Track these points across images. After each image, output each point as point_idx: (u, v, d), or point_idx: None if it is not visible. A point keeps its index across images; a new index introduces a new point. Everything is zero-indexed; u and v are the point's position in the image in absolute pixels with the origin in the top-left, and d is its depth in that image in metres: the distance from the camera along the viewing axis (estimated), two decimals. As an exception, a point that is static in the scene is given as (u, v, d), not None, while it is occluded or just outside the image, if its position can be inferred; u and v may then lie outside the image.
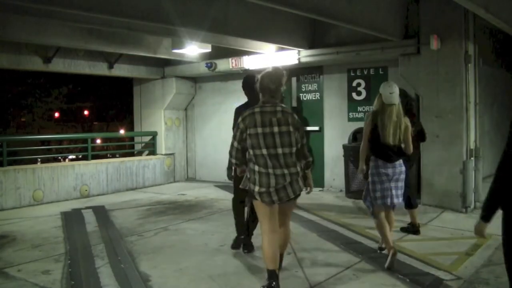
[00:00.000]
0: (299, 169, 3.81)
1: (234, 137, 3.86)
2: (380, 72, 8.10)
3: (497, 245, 5.08)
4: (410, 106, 5.55)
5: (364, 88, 8.32)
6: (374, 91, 8.24)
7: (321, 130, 8.93)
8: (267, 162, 3.73)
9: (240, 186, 3.97)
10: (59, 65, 8.85)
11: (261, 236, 3.79)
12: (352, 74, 8.42)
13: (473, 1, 5.21)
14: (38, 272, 4.49)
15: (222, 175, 10.12)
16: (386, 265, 4.36)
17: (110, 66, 9.59)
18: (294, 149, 3.79)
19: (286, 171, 3.74)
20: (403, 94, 5.69)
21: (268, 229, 3.75)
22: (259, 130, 3.74)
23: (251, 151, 3.77)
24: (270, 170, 3.72)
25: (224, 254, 4.96)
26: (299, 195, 3.85)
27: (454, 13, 6.66)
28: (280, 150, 3.74)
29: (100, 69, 9.54)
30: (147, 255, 4.95)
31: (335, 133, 8.59)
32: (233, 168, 4.65)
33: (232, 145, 3.87)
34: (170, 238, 5.68)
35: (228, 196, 8.46)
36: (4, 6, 5.38)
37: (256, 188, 3.75)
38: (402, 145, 4.64)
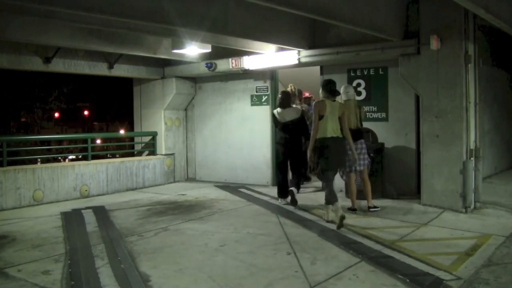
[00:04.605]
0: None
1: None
2: (380, 72, 8.09)
3: (497, 245, 5.09)
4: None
5: (364, 88, 8.30)
6: (374, 91, 8.29)
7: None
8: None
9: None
10: (59, 65, 8.85)
11: None
12: (352, 74, 8.41)
13: (473, 1, 5.21)
14: (38, 272, 4.50)
15: (222, 175, 10.27)
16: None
17: (110, 66, 9.59)
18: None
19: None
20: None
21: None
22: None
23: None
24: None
25: (224, 254, 4.97)
26: None
27: (454, 13, 6.65)
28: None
29: (100, 69, 9.53)
30: (147, 255, 4.95)
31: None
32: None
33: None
34: (170, 238, 5.69)
35: (228, 196, 8.50)
36: (4, 6, 5.38)
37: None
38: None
